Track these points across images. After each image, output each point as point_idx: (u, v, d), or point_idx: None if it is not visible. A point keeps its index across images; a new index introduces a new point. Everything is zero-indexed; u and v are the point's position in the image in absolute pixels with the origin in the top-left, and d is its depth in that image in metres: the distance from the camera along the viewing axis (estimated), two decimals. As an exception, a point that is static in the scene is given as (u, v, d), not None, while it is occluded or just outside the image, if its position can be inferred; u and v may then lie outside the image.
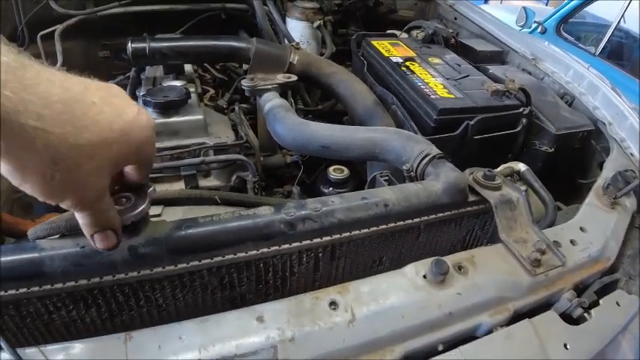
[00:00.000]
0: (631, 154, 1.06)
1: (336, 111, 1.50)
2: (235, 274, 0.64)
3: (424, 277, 0.62)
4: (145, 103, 0.98)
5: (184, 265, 0.58)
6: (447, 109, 1.01)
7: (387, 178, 0.82)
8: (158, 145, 0.98)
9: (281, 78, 1.14)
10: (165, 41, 1.11)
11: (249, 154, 1.06)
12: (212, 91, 1.41)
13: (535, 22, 2.94)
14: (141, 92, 1.09)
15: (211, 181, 1.05)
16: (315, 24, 1.54)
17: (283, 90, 1.14)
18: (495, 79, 1.20)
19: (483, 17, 1.64)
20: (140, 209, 0.54)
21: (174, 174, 1.00)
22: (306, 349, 0.51)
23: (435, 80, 1.14)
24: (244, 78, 1.15)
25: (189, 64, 1.23)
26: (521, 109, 1.09)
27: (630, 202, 0.93)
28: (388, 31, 1.60)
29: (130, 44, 1.07)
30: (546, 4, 6.63)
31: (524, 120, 1.10)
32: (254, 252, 0.61)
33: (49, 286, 0.54)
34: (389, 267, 0.65)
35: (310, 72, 1.20)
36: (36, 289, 0.53)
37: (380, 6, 1.71)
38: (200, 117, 1.00)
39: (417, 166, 0.79)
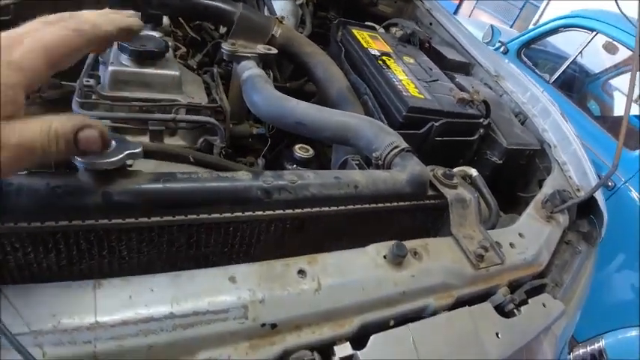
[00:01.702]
0: (570, 177, 1.18)
1: (304, 91, 1.51)
2: (204, 234, 0.64)
3: (384, 257, 0.67)
4: (122, 49, 0.93)
5: (157, 218, 0.58)
6: (417, 107, 1.07)
7: (357, 162, 0.86)
8: (127, 94, 0.94)
9: (261, 48, 1.13)
10: (148, -10, 1.05)
11: (219, 119, 1.05)
12: (183, 49, 1.36)
13: (499, 41, 3.13)
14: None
15: (177, 141, 1.03)
16: (299, 1, 1.53)
17: (262, 61, 1.13)
18: (461, 88, 1.28)
19: (457, 28, 1.72)
20: (117, 158, 0.53)
21: (139, 127, 0.96)
22: (274, 311, 0.54)
23: (408, 78, 1.19)
24: (223, 41, 1.13)
25: (169, 16, 1.18)
26: (481, 120, 1.17)
27: (563, 218, 1.05)
28: (367, 23, 1.63)
29: None
30: (511, 26, 7.01)
31: (481, 130, 1.18)
32: (228, 215, 0.62)
33: (11, 224, 0.51)
34: (346, 246, 0.68)
35: (290, 48, 1.21)
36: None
37: (362, -3, 1.73)
38: (176, 73, 0.97)
39: (386, 155, 0.83)
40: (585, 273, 1.06)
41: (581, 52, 2.82)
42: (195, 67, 1.34)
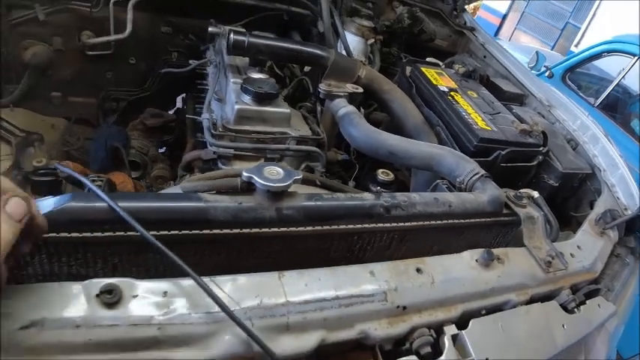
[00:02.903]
0: (618, 197, 1.34)
1: (369, 119, 1.70)
2: (337, 241, 0.85)
3: (476, 260, 0.86)
4: (245, 91, 1.16)
5: (311, 228, 0.79)
6: (486, 138, 1.26)
7: (447, 185, 1.05)
8: (248, 127, 1.18)
9: (350, 87, 1.36)
10: (261, 39, 1.30)
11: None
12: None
13: (545, 66, 3.26)
14: (231, 78, 1.27)
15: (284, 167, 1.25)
16: (370, 41, 1.75)
17: (351, 98, 1.35)
18: (520, 119, 1.46)
19: (509, 60, 1.90)
20: (287, 183, 0.75)
21: (256, 154, 1.20)
22: (404, 297, 0.74)
23: (475, 112, 1.38)
24: (305, 78, 1.35)
25: (275, 61, 1.43)
26: (540, 148, 1.35)
27: (614, 234, 1.20)
28: (428, 59, 1.83)
29: (231, 35, 1.25)
30: (552, 48, 7.03)
31: (540, 157, 1.36)
32: (359, 226, 0.83)
33: (208, 231, 0.73)
34: (437, 253, 0.87)
35: (372, 86, 1.43)
36: (197, 232, 0.73)
37: (422, 34, 1.94)
38: (288, 111, 1.20)
39: (469, 180, 1.03)
40: (632, 282, 1.20)
41: (624, 76, 2.93)
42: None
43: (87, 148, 1.84)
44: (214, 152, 1.15)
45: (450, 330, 0.76)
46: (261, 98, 1.16)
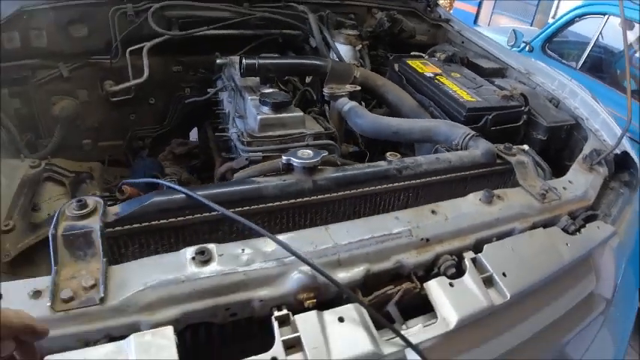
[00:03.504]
0: (604, 140, 1.50)
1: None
2: (364, 203, 1.03)
3: (480, 199, 1.03)
4: (264, 103, 1.36)
5: (342, 192, 0.98)
6: (473, 107, 1.44)
7: (445, 148, 1.23)
8: (271, 133, 1.37)
9: (349, 87, 1.56)
10: (268, 59, 1.51)
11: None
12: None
13: (524, 42, 3.46)
14: (248, 96, 1.48)
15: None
16: (358, 47, 1.96)
17: (351, 96, 1.55)
18: (500, 88, 1.64)
19: (485, 41, 2.09)
20: (318, 159, 0.94)
21: (282, 154, 1.39)
22: (426, 232, 0.91)
23: (460, 89, 1.57)
24: (309, 89, 1.56)
25: (282, 76, 1.64)
26: (522, 108, 1.53)
27: (603, 170, 1.36)
28: (413, 53, 2.04)
29: (244, 60, 1.46)
30: (531, 24, 7.25)
31: (524, 116, 1.53)
32: (378, 187, 1.02)
33: (263, 205, 0.92)
34: None
35: (368, 83, 1.62)
36: (255, 206, 0.92)
37: (403, 33, 2.15)
38: (301, 114, 1.39)
39: (463, 141, 1.21)
40: (629, 209, 1.36)
41: (599, 35, 3.11)
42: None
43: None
44: (246, 159, 1.34)
45: (469, 255, 0.93)
46: (278, 107, 1.36)
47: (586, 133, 1.57)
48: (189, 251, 0.76)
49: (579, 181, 1.25)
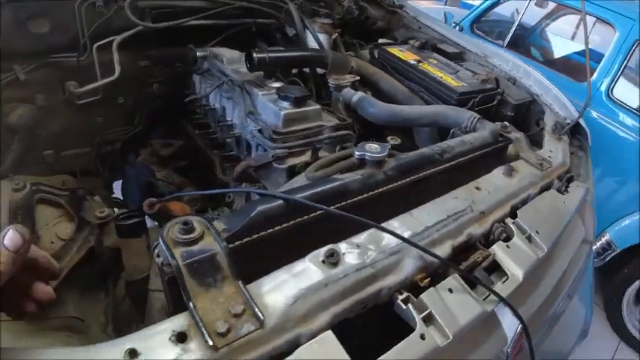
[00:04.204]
0: (557, 112, 1.81)
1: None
2: (422, 184, 1.16)
3: (503, 173, 1.23)
4: (284, 98, 1.41)
5: (404, 180, 1.10)
6: (463, 92, 1.64)
7: (460, 131, 1.41)
8: (295, 128, 1.43)
9: (349, 77, 1.66)
10: (276, 52, 1.55)
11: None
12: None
13: (454, 22, 3.81)
14: (258, 92, 1.50)
15: (323, 152, 1.53)
16: (333, 36, 2.05)
17: (352, 86, 1.65)
18: (473, 73, 1.87)
19: (440, 25, 2.31)
20: (386, 152, 1.05)
21: (305, 148, 1.45)
22: (481, 206, 1.08)
23: (444, 74, 1.76)
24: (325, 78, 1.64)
25: (288, 69, 1.67)
26: (497, 90, 1.77)
27: (565, 137, 1.66)
28: (381, 40, 2.18)
29: (255, 54, 1.48)
30: (445, 4, 7.79)
31: (498, 97, 1.78)
32: (427, 172, 1.16)
33: (349, 200, 1.01)
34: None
35: (362, 72, 1.74)
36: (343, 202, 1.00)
37: (368, 20, 2.28)
38: (318, 106, 1.47)
39: (471, 124, 1.40)
40: (589, 168, 1.68)
41: (522, 14, 3.56)
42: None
43: (106, 195, 1.91)
44: (272, 155, 1.39)
45: (509, 221, 1.13)
46: (299, 101, 1.42)
47: (541, 107, 1.87)
48: (319, 255, 0.81)
49: (557, 150, 1.53)
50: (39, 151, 1.70)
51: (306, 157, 1.47)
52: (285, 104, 1.43)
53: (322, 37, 2.04)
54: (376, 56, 1.95)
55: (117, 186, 2.04)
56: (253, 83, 1.57)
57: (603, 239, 3.03)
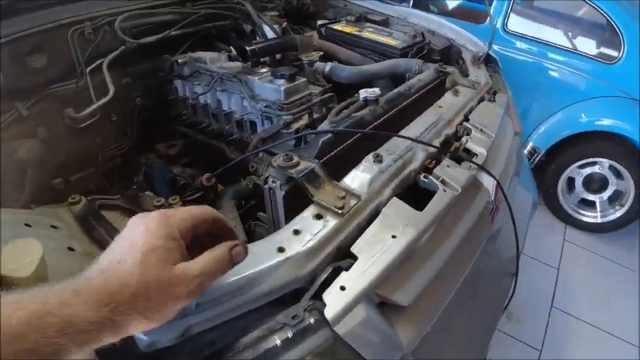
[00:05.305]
0: (471, 49, 2.36)
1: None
2: (400, 115, 1.62)
3: (451, 94, 1.73)
4: (280, 77, 1.77)
5: (397, 109, 1.55)
6: (402, 48, 2.12)
7: (412, 74, 1.88)
8: (294, 98, 1.81)
9: (316, 54, 2.07)
10: (260, 44, 1.90)
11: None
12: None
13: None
14: (255, 77, 1.85)
15: (314, 115, 1.92)
16: (283, 25, 2.43)
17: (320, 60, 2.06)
18: (404, 33, 2.36)
19: (360, 0, 2.78)
20: (379, 92, 1.49)
21: (305, 112, 1.84)
22: (447, 116, 1.56)
23: (382, 37, 2.22)
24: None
25: (270, 56, 2.02)
26: (425, 42, 2.28)
27: (482, 66, 2.21)
28: (319, 22, 2.60)
29: (248, 48, 1.82)
30: None
31: (427, 47, 2.29)
32: (407, 101, 1.61)
33: (366, 130, 1.44)
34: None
35: (322, 48, 2.15)
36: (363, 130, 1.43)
37: (303, 6, 2.68)
38: (305, 80, 1.85)
39: (419, 67, 1.88)
40: (505, 85, 2.25)
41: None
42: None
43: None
44: (282, 122, 1.76)
45: (466, 123, 1.62)
46: (292, 77, 1.79)
47: (458, 48, 2.42)
48: (369, 158, 1.21)
49: (480, 75, 2.06)
50: (47, 181, 1.80)
51: (304, 120, 1.86)
52: (282, 81, 1.79)
53: (275, 27, 2.41)
54: (324, 34, 2.37)
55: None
56: (246, 72, 1.91)
57: (529, 146, 3.81)
